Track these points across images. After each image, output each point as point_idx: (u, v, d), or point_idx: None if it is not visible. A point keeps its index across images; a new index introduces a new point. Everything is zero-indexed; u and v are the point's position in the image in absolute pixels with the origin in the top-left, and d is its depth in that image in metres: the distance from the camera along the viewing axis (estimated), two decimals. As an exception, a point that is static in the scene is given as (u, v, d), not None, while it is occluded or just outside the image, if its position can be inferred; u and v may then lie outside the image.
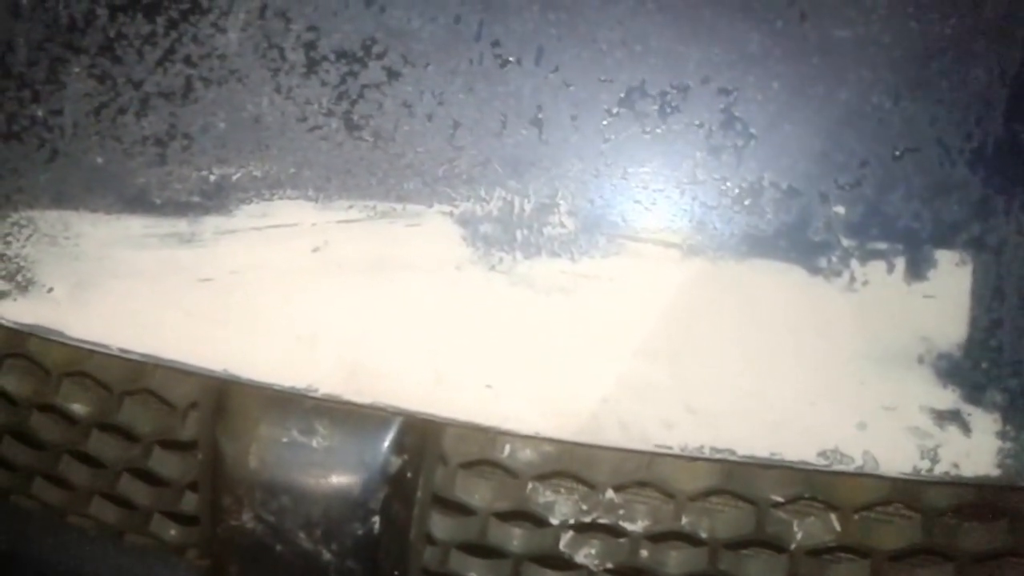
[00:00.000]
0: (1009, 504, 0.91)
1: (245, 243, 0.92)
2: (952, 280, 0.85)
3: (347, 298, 0.90)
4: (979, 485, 0.87)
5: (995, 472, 0.85)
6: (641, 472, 0.93)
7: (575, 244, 0.88)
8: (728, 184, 0.87)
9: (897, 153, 0.85)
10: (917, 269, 0.85)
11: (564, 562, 0.98)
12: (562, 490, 0.97)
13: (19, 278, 0.95)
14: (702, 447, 0.87)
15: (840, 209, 0.86)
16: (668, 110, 0.88)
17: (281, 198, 0.91)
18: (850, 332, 0.86)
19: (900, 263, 0.85)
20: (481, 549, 1.00)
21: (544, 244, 0.88)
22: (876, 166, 0.86)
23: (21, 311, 0.95)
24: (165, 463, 1.05)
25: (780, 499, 0.92)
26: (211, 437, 0.97)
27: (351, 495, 0.93)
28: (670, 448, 0.87)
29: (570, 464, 0.94)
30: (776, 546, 0.94)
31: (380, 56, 0.91)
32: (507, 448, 0.95)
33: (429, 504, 0.98)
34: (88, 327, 0.94)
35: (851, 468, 0.85)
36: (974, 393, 0.85)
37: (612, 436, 0.88)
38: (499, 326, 0.89)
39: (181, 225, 0.93)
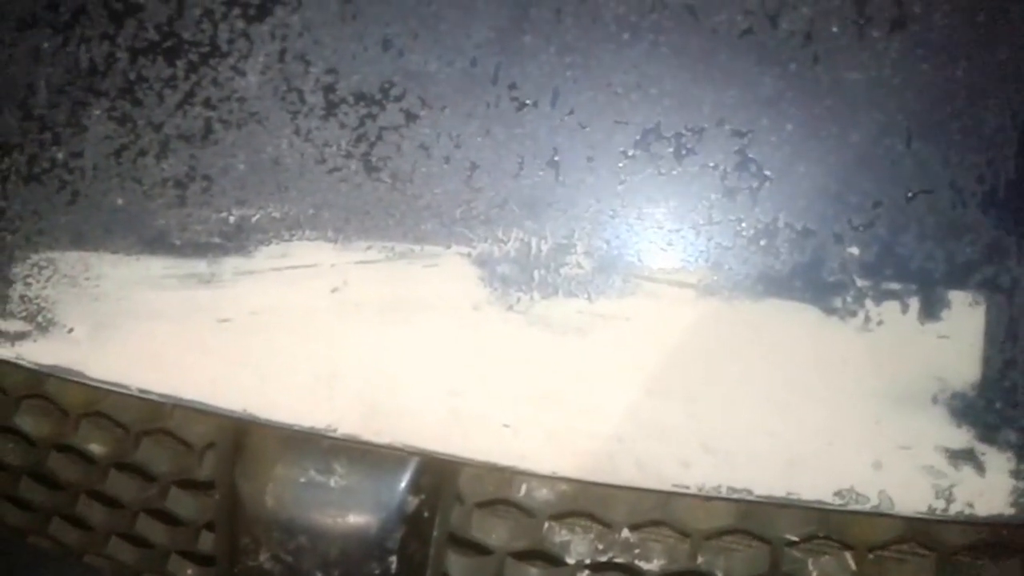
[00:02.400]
0: (1022, 542, 0.91)
1: (264, 284, 0.92)
2: (966, 320, 0.86)
3: (366, 338, 0.91)
4: (993, 524, 0.88)
5: (1009, 511, 0.85)
6: (657, 511, 0.94)
7: (592, 284, 0.89)
8: (743, 225, 0.88)
9: (910, 195, 0.86)
10: (931, 309, 0.86)
11: (580, 601, 0.98)
12: (578, 529, 0.97)
13: (40, 319, 0.96)
14: (719, 487, 0.87)
15: (854, 250, 0.86)
16: (683, 152, 0.88)
17: (300, 239, 0.92)
18: (865, 372, 0.86)
19: (914, 303, 0.86)
20: (497, 589, 1.00)
21: (561, 284, 0.89)
22: (889, 207, 0.86)
23: (42, 352, 0.96)
24: (182, 503, 1.06)
25: (795, 538, 0.92)
26: (228, 477, 0.97)
27: (368, 535, 0.94)
28: (687, 488, 0.87)
29: (586, 503, 0.94)
30: (792, 585, 0.94)
31: (398, 99, 0.92)
32: (523, 487, 0.95)
33: (446, 543, 0.98)
34: (108, 368, 0.95)
35: (867, 508, 0.86)
36: (988, 433, 0.85)
37: (629, 476, 0.88)
38: (516, 366, 0.89)
39: (201, 266, 0.93)
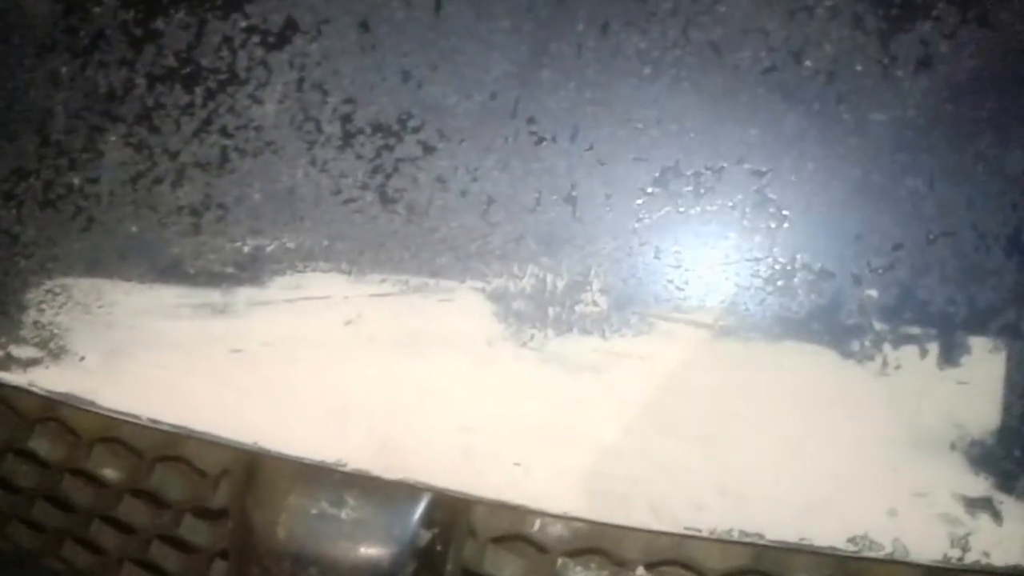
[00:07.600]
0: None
1: (278, 315, 0.92)
2: (986, 367, 0.85)
3: (378, 372, 0.90)
4: (1010, 575, 0.86)
5: (1027, 561, 0.85)
6: (672, 551, 0.93)
7: (607, 322, 0.88)
8: (761, 265, 0.87)
9: (931, 237, 0.85)
10: (950, 355, 0.85)
11: (592, 639, 0.97)
12: (592, 566, 0.96)
13: (52, 346, 0.96)
14: (731, 530, 0.86)
15: (873, 292, 0.85)
16: (702, 190, 0.88)
17: (314, 270, 0.92)
18: (882, 417, 0.85)
19: (933, 348, 0.85)
20: (509, 624, 0.99)
21: (576, 322, 0.88)
22: (910, 249, 0.85)
23: (53, 379, 0.96)
24: (196, 530, 1.06)
25: (810, 580, 0.91)
26: (241, 506, 0.97)
27: (380, 568, 0.93)
28: (699, 531, 0.87)
29: (600, 541, 0.94)
30: (805, 627, 0.93)
31: (416, 130, 0.92)
32: (537, 523, 0.94)
33: (458, 578, 0.97)
34: (119, 397, 0.94)
35: (881, 555, 0.85)
36: (1006, 481, 0.84)
37: (641, 518, 0.87)
38: (529, 403, 0.89)
39: (214, 296, 0.93)
